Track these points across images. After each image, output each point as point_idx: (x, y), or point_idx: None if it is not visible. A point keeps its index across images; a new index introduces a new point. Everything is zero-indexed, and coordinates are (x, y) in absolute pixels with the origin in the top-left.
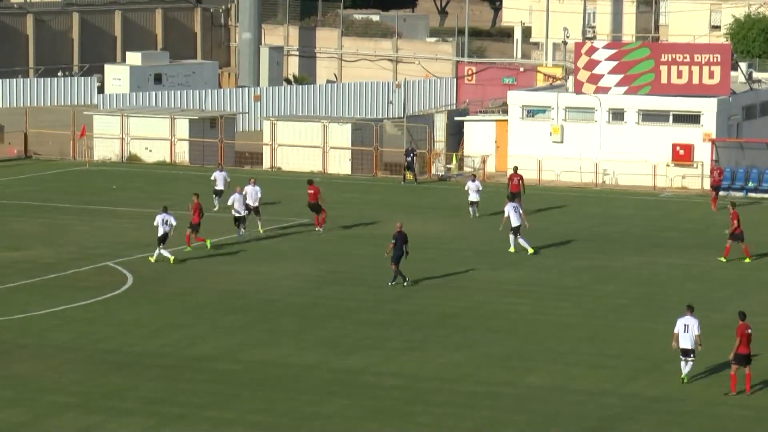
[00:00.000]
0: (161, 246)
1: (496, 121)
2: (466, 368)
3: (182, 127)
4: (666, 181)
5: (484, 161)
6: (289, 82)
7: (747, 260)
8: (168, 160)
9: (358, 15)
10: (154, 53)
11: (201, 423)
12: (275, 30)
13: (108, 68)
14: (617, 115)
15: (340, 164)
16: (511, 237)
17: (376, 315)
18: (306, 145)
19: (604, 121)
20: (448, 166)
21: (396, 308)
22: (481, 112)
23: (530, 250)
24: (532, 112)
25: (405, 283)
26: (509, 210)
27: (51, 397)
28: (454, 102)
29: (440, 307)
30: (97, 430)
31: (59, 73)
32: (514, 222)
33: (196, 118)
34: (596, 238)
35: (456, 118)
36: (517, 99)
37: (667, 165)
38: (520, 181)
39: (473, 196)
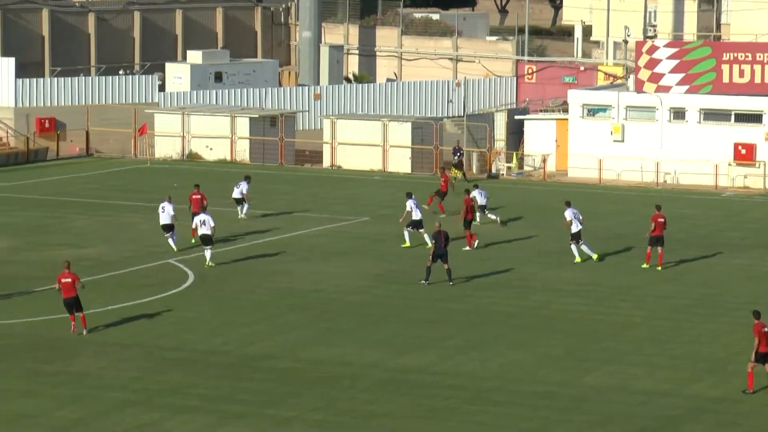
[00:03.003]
0: (208, 247)
1: (556, 119)
2: (525, 368)
3: (243, 125)
4: (728, 181)
5: (544, 160)
6: (348, 80)
7: None
8: (228, 158)
9: (418, 14)
10: (215, 52)
11: (261, 421)
12: (335, 29)
13: (169, 66)
14: (678, 114)
15: (400, 163)
16: (573, 246)
17: (433, 314)
18: (366, 143)
19: (665, 120)
20: (508, 164)
21: (454, 307)
22: (541, 110)
23: (595, 257)
24: (593, 111)
25: (426, 282)
26: (570, 215)
27: (112, 394)
28: (514, 101)
29: (498, 306)
30: (157, 427)
31: (120, 72)
32: (575, 228)
33: (257, 116)
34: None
35: (516, 117)
36: (577, 98)
37: (729, 164)
38: None
39: (415, 215)
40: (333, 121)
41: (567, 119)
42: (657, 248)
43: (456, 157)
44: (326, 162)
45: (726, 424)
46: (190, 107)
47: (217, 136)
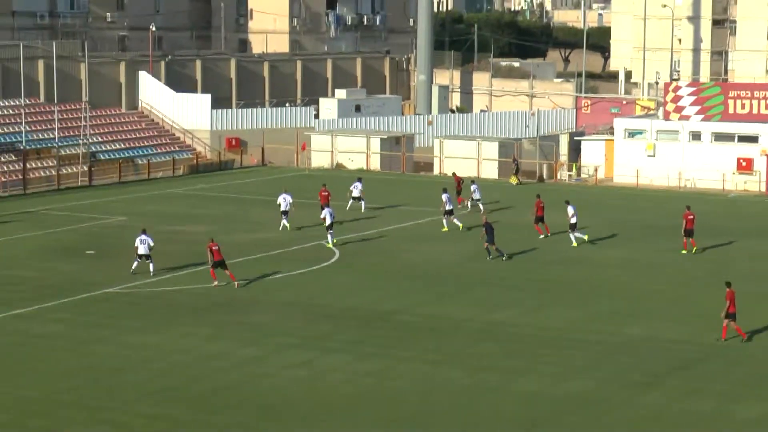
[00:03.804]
0: (330, 230)
1: (605, 140)
2: (581, 322)
3: (375, 143)
4: (732, 185)
5: (596, 170)
6: (452, 111)
7: None
8: (365, 167)
9: (504, 62)
10: (355, 90)
11: (388, 359)
12: (443, 73)
13: (322, 101)
14: (696, 136)
15: (490, 171)
16: (571, 235)
17: (515, 282)
18: (465, 157)
19: (686, 140)
20: (569, 173)
21: (530, 277)
22: (594, 133)
23: (586, 237)
24: (632, 133)
25: (496, 258)
26: (571, 211)
27: (279, 339)
28: (574, 126)
29: (562, 277)
30: (313, 363)
31: (287, 104)
32: (573, 220)
33: (386, 137)
34: (679, 227)
35: (575, 138)
36: (621, 124)
37: (733, 173)
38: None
39: (448, 206)
40: (441, 140)
41: (613, 140)
42: (690, 238)
43: (514, 166)
44: (436, 170)
45: (732, 363)
46: (337, 130)
47: (357, 151)
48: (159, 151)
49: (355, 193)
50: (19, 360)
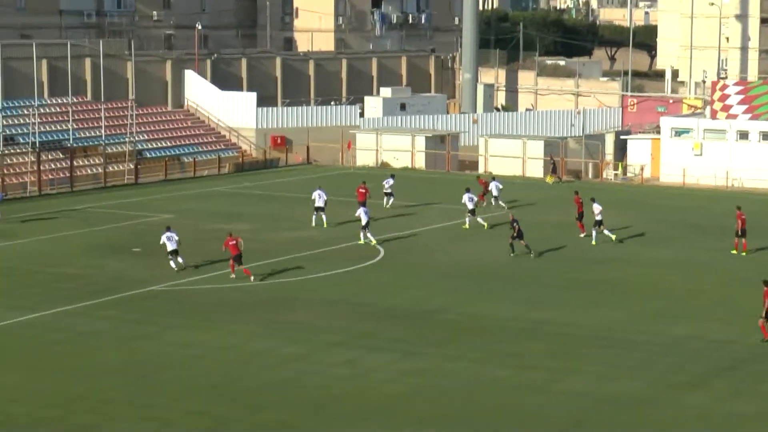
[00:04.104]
0: (367, 229)
1: (651, 139)
2: (627, 322)
3: (420, 142)
4: None
5: (642, 169)
6: (498, 109)
7: None
8: (410, 165)
9: (549, 60)
10: (400, 88)
11: (432, 358)
12: (488, 71)
13: (367, 99)
14: (743, 135)
15: (535, 170)
16: (594, 232)
17: (560, 281)
18: (510, 155)
19: (733, 139)
20: (615, 172)
21: (574, 276)
22: (640, 132)
23: (613, 237)
24: (679, 132)
25: (531, 254)
26: (597, 208)
27: (323, 337)
28: (620, 125)
29: (607, 276)
30: (357, 361)
31: (332, 102)
32: (599, 217)
33: (430, 135)
34: (726, 227)
35: (621, 137)
36: (667, 123)
37: None
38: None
39: (470, 205)
40: (486, 139)
41: (659, 138)
42: (742, 239)
43: (552, 165)
44: (480, 169)
45: None
46: (382, 128)
47: (402, 149)
48: (205, 149)
49: (386, 188)
50: (66, 356)
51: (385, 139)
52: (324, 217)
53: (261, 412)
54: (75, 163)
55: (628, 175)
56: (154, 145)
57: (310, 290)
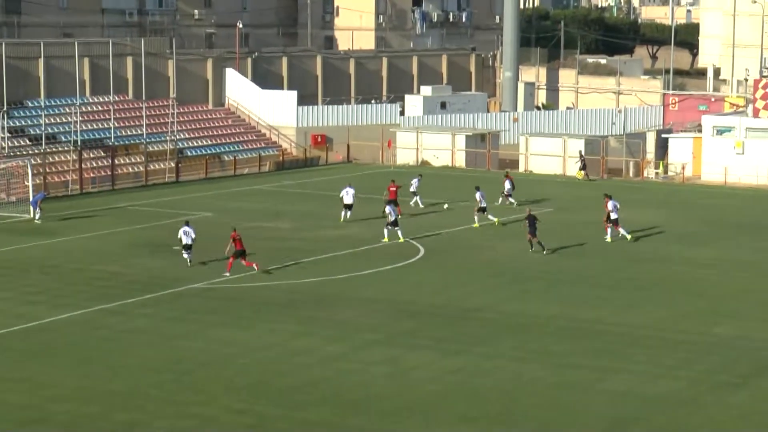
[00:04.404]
0: (391, 228)
1: (693, 137)
2: (670, 321)
3: (460, 140)
4: None
5: (683, 167)
6: (538, 108)
7: None
8: (450, 164)
9: (590, 59)
10: (441, 87)
11: (473, 356)
12: (529, 70)
13: (407, 98)
14: None
15: (576, 169)
16: (609, 229)
17: (602, 280)
18: (550, 154)
19: None
20: (656, 171)
21: (618, 276)
22: (681, 131)
23: (629, 237)
24: (721, 131)
25: (544, 250)
26: (612, 206)
27: (364, 335)
28: (662, 123)
29: (649, 275)
30: (397, 360)
31: (372, 101)
32: (613, 215)
33: (471, 134)
34: None
35: (663, 135)
36: (709, 121)
37: None
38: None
39: (482, 204)
40: (527, 137)
41: (701, 137)
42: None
43: (581, 163)
44: (521, 168)
45: None
46: (423, 127)
47: (442, 148)
48: (245, 147)
49: (412, 188)
50: (107, 354)
51: (425, 138)
52: (348, 214)
53: (301, 411)
54: (116, 162)
55: (669, 173)
56: (195, 144)
57: (350, 288)
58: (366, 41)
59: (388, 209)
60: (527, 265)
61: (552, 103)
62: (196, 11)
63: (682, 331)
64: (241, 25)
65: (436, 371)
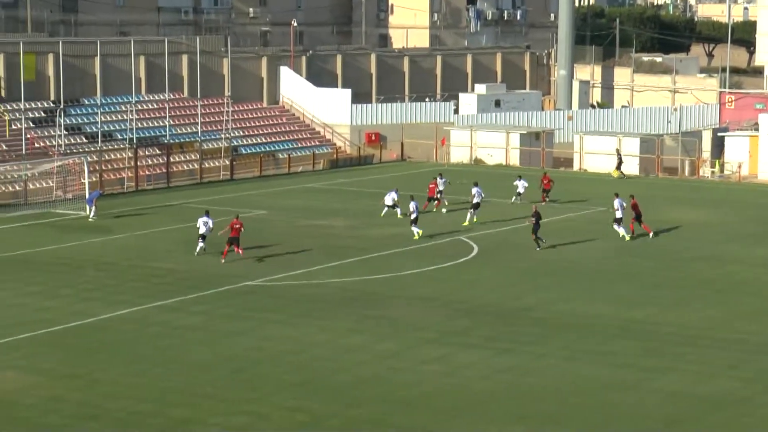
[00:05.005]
0: (414, 225)
1: (749, 136)
2: (723, 321)
3: (514, 138)
4: None
5: (740, 166)
6: (593, 106)
7: None
8: (504, 162)
9: (646, 57)
10: (495, 85)
11: (522, 354)
12: (584, 68)
13: (461, 96)
14: None
15: (631, 167)
16: (616, 227)
17: (655, 279)
18: (605, 153)
19: None
20: (712, 169)
21: (669, 275)
22: (738, 129)
23: (627, 237)
24: None
25: (539, 247)
26: (617, 204)
27: (416, 334)
28: (718, 122)
29: (701, 274)
30: (449, 358)
31: (426, 99)
32: (618, 214)
33: (525, 132)
34: None
35: (719, 134)
36: (766, 120)
37: None
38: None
39: (520, 188)
40: (581, 136)
41: (757, 135)
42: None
43: (618, 160)
44: (576, 166)
45: None
46: (477, 125)
47: (496, 146)
48: (299, 145)
49: (440, 186)
50: (162, 351)
51: (479, 136)
52: (398, 209)
53: (355, 408)
54: (171, 159)
55: (725, 172)
56: (250, 141)
57: (403, 287)
58: (420, 39)
59: (411, 206)
60: (579, 264)
61: (607, 102)
62: (251, 9)
63: (735, 330)
64: (295, 24)
65: (487, 370)
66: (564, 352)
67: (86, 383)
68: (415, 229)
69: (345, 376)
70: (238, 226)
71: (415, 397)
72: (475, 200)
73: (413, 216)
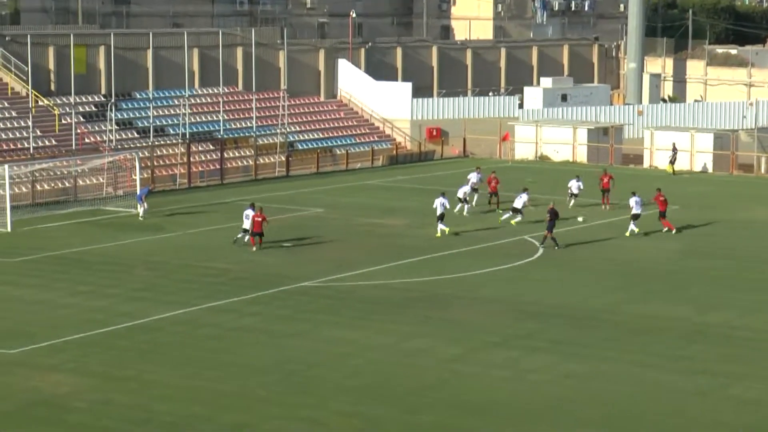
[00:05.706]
0: (440, 222)
1: None
2: None
3: (582, 134)
4: None
5: None
6: (664, 100)
7: None
8: (570, 159)
9: (720, 49)
10: (561, 78)
11: (594, 360)
12: (655, 61)
13: (526, 90)
14: None
15: (703, 164)
16: (632, 224)
17: (730, 282)
18: (678, 149)
19: None
20: None
21: (746, 276)
22: None
23: (628, 234)
24: None
25: (557, 246)
26: (633, 202)
27: (481, 337)
28: None
29: None
30: (515, 363)
31: (490, 93)
32: (635, 211)
33: (593, 127)
34: None
35: None
36: None
37: None
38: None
39: (574, 189)
40: (652, 131)
41: None
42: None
43: (672, 156)
44: (646, 163)
45: None
46: (543, 120)
47: (562, 142)
48: (358, 141)
49: (470, 185)
50: (215, 353)
51: (545, 132)
52: (441, 226)
53: (415, 414)
54: (225, 155)
55: None
56: (306, 137)
57: (467, 287)
58: (483, 31)
59: (436, 203)
60: (650, 265)
61: (679, 96)
62: (308, 0)
63: None
64: (354, 15)
65: (556, 375)
66: (636, 356)
67: (136, 386)
68: (440, 227)
69: (406, 381)
70: (259, 219)
71: (481, 403)
72: (439, 211)
73: (438, 212)
